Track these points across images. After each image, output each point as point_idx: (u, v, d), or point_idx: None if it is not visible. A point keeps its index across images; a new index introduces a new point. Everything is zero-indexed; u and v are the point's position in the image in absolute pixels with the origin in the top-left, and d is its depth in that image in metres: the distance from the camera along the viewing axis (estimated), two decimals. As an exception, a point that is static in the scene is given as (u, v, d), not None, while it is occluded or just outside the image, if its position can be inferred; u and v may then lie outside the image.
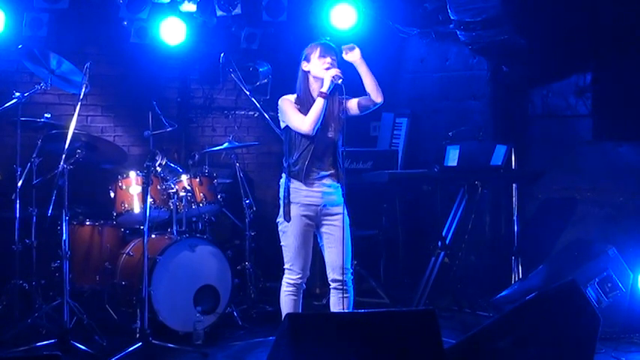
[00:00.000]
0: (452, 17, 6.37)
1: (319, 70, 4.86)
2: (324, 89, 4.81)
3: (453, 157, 6.44)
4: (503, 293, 6.21)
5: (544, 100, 6.99)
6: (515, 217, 6.92)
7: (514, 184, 6.96)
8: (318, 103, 4.80)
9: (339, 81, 4.78)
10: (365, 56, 4.91)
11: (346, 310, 4.86)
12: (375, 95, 4.86)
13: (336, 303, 4.89)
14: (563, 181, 6.85)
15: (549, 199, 7.00)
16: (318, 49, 4.89)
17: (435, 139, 7.30)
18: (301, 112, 4.85)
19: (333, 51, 4.91)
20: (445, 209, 6.75)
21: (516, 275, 6.77)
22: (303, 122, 4.80)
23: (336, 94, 4.86)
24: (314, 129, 4.79)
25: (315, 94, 4.89)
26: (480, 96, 7.32)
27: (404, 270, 7.36)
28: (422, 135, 7.82)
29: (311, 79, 4.91)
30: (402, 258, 7.45)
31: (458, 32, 6.49)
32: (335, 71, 4.80)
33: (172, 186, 6.06)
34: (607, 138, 6.53)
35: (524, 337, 4.16)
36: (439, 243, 6.56)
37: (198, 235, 6.13)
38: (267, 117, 6.34)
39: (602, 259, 5.78)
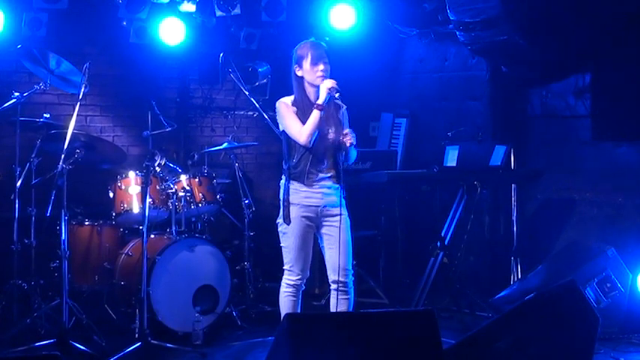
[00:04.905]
0: (451, 18, 6.36)
1: (313, 78, 4.80)
2: (320, 101, 4.75)
3: (452, 158, 6.44)
4: (503, 293, 6.21)
5: (543, 101, 6.98)
6: (514, 218, 6.92)
7: (513, 185, 6.95)
8: (315, 116, 4.74)
9: (337, 95, 4.72)
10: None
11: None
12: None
13: (337, 304, 4.86)
14: (562, 181, 6.84)
15: (548, 200, 6.99)
16: (309, 56, 4.80)
17: (434, 139, 7.30)
18: (299, 115, 4.81)
19: (324, 53, 4.83)
20: (444, 209, 6.74)
21: (515, 275, 6.77)
22: (300, 133, 4.77)
23: (332, 97, 4.78)
24: (311, 141, 4.76)
25: (312, 96, 4.85)
26: (479, 96, 7.32)
27: (403, 270, 7.35)
28: (421, 135, 7.82)
29: (306, 83, 4.86)
30: (401, 258, 7.44)
31: (457, 33, 6.48)
32: (331, 83, 4.73)
33: (171, 186, 6.05)
34: (606, 138, 6.52)
35: (523, 338, 4.16)
36: (438, 243, 6.55)
37: (197, 235, 6.12)
38: (266, 117, 6.33)
39: (601, 260, 5.78)
